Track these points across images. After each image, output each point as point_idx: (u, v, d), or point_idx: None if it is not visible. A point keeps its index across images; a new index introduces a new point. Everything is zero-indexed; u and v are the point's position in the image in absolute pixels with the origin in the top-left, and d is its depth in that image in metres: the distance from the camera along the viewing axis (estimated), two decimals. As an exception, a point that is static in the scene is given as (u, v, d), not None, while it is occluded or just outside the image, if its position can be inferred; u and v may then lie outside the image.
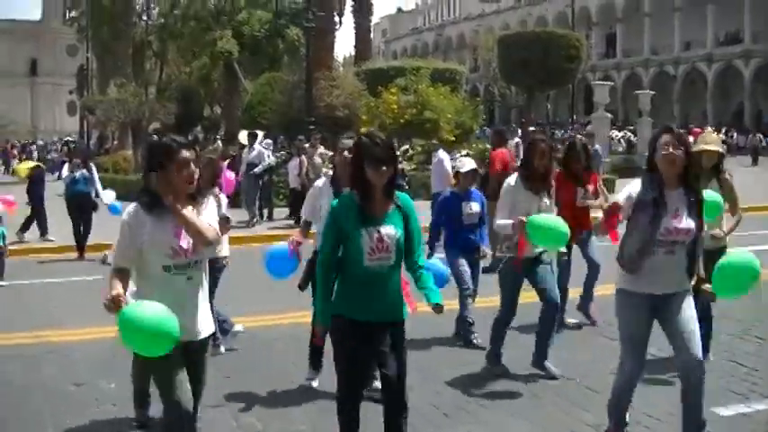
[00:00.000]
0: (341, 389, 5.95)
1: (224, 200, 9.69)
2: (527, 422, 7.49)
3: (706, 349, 8.30)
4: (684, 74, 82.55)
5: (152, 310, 4.94)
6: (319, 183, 8.40)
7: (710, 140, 8.86)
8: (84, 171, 18.35)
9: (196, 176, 5.28)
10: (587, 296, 11.12)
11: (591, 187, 10.74)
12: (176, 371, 5.35)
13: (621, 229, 6.45)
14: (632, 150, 49.11)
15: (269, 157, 24.86)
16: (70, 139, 69.87)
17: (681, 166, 6.18)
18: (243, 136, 26.50)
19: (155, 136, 40.27)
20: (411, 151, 31.87)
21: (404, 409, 5.88)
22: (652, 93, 46.21)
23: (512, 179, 8.87)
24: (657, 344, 7.03)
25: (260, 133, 26.86)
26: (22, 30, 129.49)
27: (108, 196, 17.53)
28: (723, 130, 58.47)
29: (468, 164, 10.37)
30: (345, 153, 7.84)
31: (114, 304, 4.94)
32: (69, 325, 11.37)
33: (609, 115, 42.20)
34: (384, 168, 5.62)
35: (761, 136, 56.89)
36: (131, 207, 5.34)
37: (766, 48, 74.38)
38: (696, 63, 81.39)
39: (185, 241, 5.27)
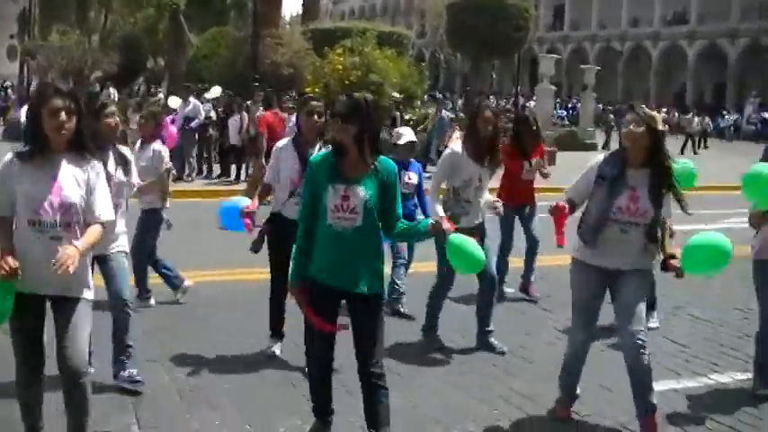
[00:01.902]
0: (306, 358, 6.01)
1: (165, 153, 9.63)
2: (459, 390, 7.50)
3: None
4: (630, 51, 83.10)
5: None
6: (281, 144, 8.05)
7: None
8: None
9: (68, 127, 5.17)
10: (528, 272, 11.16)
11: (536, 159, 10.78)
12: (29, 332, 5.40)
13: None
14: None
15: (204, 110, 24.67)
16: (8, 83, 68.68)
17: (642, 143, 6.23)
18: (173, 101, 26.16)
19: (96, 85, 39.57)
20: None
21: (373, 377, 5.71)
22: (597, 68, 46.39)
23: (457, 145, 8.73)
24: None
25: (218, 89, 26.62)
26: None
27: None
28: (665, 110, 58.57)
29: (406, 135, 10.26)
30: (315, 117, 7.77)
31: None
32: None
33: (553, 87, 42.32)
34: (339, 121, 5.52)
35: (709, 120, 55.51)
36: (7, 156, 5.27)
37: (711, 30, 75.09)
38: (642, 41, 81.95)
39: (57, 198, 5.15)
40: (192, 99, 24.62)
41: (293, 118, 20.15)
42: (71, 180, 5.21)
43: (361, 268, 5.63)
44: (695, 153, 42.61)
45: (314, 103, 7.95)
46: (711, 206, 18.52)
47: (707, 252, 6.28)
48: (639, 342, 6.28)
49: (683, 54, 78.15)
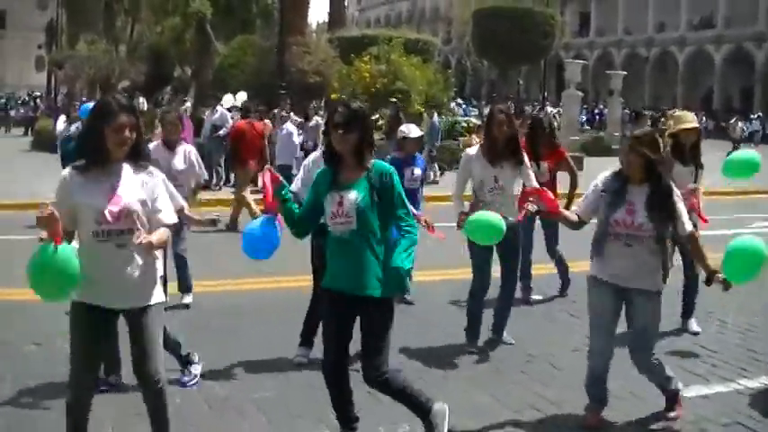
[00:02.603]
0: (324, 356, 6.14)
1: (194, 153, 9.89)
2: (488, 396, 7.50)
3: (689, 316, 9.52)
4: (656, 56, 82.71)
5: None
6: (315, 155, 8.17)
7: (687, 119, 8.96)
8: (80, 125, 16.20)
9: (131, 141, 5.23)
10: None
11: (546, 164, 10.74)
12: (94, 342, 5.39)
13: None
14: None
15: (232, 119, 24.75)
16: (37, 94, 69.14)
17: (637, 168, 6.46)
18: (228, 99, 26.28)
19: (125, 94, 39.79)
20: (381, 120, 31.77)
21: (376, 384, 5.94)
22: (624, 73, 46.24)
23: (472, 149, 8.94)
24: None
25: (243, 94, 26.68)
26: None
27: None
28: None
29: (414, 130, 10.47)
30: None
31: (48, 223, 4.80)
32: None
33: (580, 93, 42.21)
34: (340, 132, 5.72)
35: (743, 125, 54.16)
36: (64, 172, 5.29)
37: (738, 34, 74.66)
38: (668, 46, 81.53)
39: (118, 206, 5.18)
40: (219, 107, 24.70)
41: (286, 126, 20.23)
42: (132, 187, 5.26)
43: (363, 272, 5.78)
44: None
45: None
46: (734, 211, 18.44)
47: (747, 259, 6.46)
48: (653, 362, 6.80)
49: (710, 58, 77.71)
